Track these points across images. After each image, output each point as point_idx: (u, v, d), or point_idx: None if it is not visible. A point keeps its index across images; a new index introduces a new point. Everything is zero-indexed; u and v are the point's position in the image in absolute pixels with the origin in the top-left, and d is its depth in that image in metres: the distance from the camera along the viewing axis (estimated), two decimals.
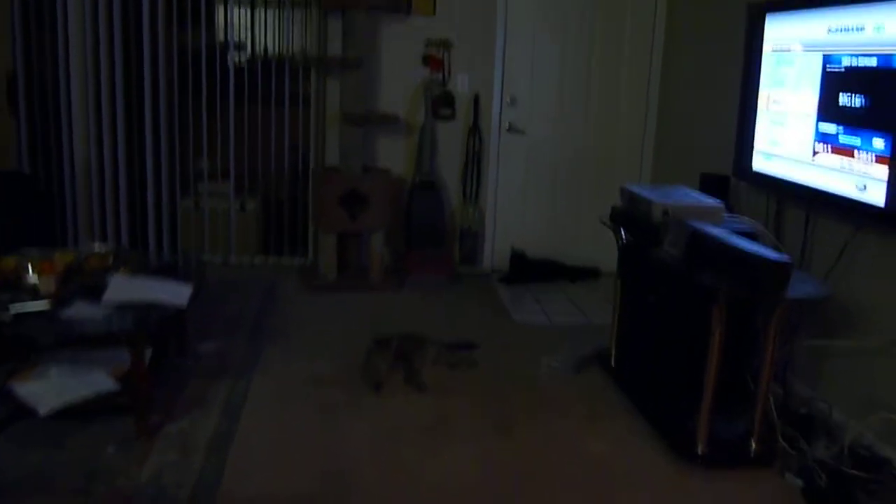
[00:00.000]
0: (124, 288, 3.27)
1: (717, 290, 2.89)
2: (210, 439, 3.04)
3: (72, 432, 3.00)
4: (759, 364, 3.03)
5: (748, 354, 3.35)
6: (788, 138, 3.46)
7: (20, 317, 2.94)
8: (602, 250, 5.09)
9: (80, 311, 3.07)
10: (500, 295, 5.18)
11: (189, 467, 2.82)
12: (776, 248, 3.18)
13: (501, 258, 5.60)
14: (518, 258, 5.49)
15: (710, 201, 3.43)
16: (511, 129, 5.52)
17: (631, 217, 3.60)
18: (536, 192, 5.66)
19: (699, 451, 3.03)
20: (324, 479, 2.82)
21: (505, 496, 2.77)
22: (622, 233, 3.76)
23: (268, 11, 5.49)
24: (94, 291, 3.21)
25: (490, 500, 2.73)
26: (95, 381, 3.06)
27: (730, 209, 3.65)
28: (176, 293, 3.31)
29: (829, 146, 3.17)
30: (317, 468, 2.89)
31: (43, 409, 2.90)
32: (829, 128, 3.17)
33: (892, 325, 3.00)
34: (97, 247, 3.80)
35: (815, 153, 3.25)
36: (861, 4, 3.00)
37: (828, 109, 3.19)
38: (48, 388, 3.01)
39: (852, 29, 3.04)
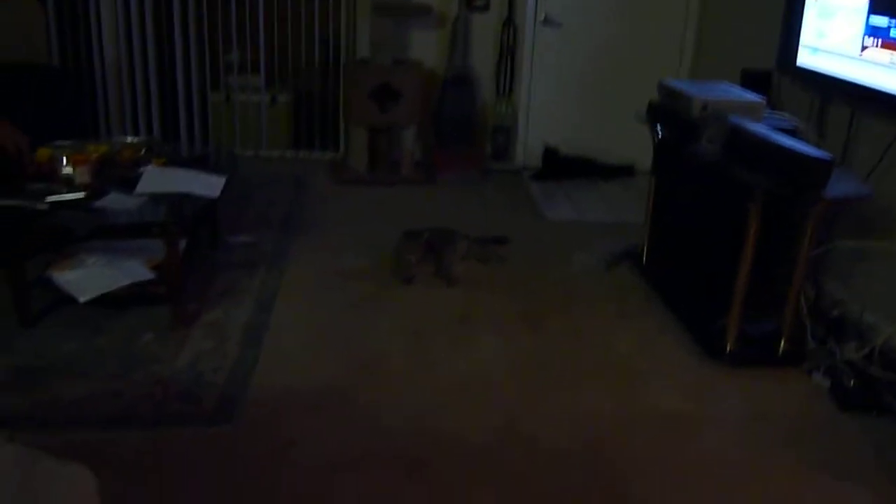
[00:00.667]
0: (157, 179, 3.29)
1: (755, 187, 2.83)
2: (244, 328, 3.11)
3: (109, 320, 3.08)
4: (793, 264, 2.99)
5: (783, 255, 3.31)
6: (837, 31, 3.31)
7: (56, 207, 2.97)
8: (637, 148, 4.98)
9: (115, 201, 3.09)
10: (531, 191, 5.14)
11: (224, 354, 2.89)
12: (818, 146, 3.09)
13: (534, 155, 5.52)
14: (550, 155, 5.41)
15: (751, 96, 3.32)
16: (546, 20, 5.35)
17: (669, 112, 3.51)
18: (571, 88, 5.52)
19: (728, 348, 3.04)
20: (354, 368, 2.88)
21: (532, 389, 2.81)
22: (658, 129, 3.68)
23: None
24: (128, 182, 3.23)
25: (517, 393, 2.78)
26: (131, 270, 3.11)
27: (772, 105, 3.54)
28: (208, 185, 3.32)
29: (880, 40, 3.02)
30: (347, 358, 2.94)
31: (82, 297, 2.96)
32: (881, 21, 3.02)
33: None
34: (130, 139, 3.81)
35: (863, 48, 3.12)
36: None
37: (881, 0, 3.03)
38: (86, 277, 3.06)
39: None
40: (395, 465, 2.34)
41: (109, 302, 3.04)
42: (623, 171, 5.49)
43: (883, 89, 2.99)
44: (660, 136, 3.68)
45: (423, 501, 2.20)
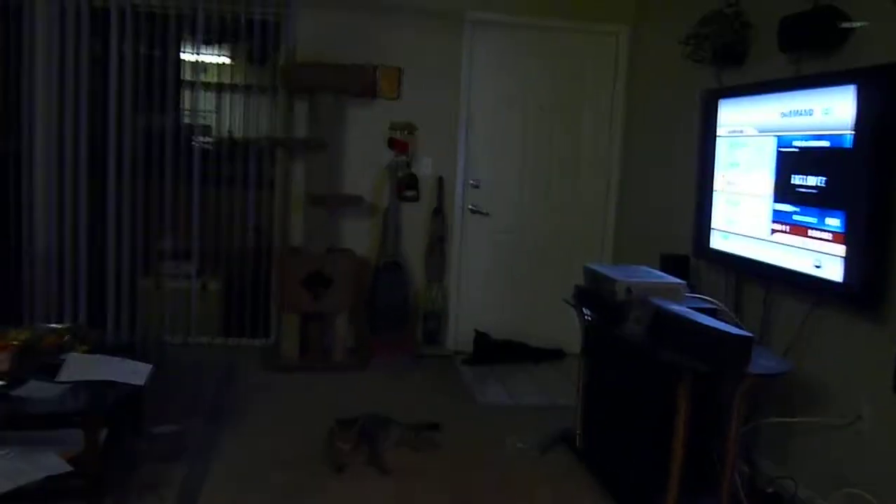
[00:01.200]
0: (80, 366, 3.20)
1: (681, 367, 2.90)
2: None
3: None
4: (724, 441, 3.03)
5: (714, 432, 3.34)
6: (744, 218, 3.56)
7: None
8: (565, 331, 5.09)
9: (34, 389, 2.98)
10: (463, 376, 5.14)
11: None
12: (737, 325, 3.22)
13: (465, 339, 5.57)
14: (481, 339, 5.47)
15: (672, 280, 3.47)
16: (474, 210, 5.59)
17: (594, 296, 3.63)
18: (500, 274, 5.70)
19: None
20: None
21: None
22: (586, 312, 3.78)
23: (235, 95, 5.57)
24: (50, 370, 3.13)
25: None
26: (47, 463, 2.95)
27: (691, 287, 3.70)
28: (133, 372, 3.24)
29: (786, 225, 3.25)
30: None
31: None
32: (785, 207, 3.26)
33: (853, 401, 3.03)
34: (54, 325, 3.73)
35: (772, 231, 3.34)
36: (808, 89, 3.14)
37: (783, 190, 3.28)
38: None
39: (802, 112, 3.16)
40: None
41: (23, 495, 2.84)
42: (553, 354, 5.57)
43: (793, 269, 3.18)
44: (588, 319, 3.78)
45: None
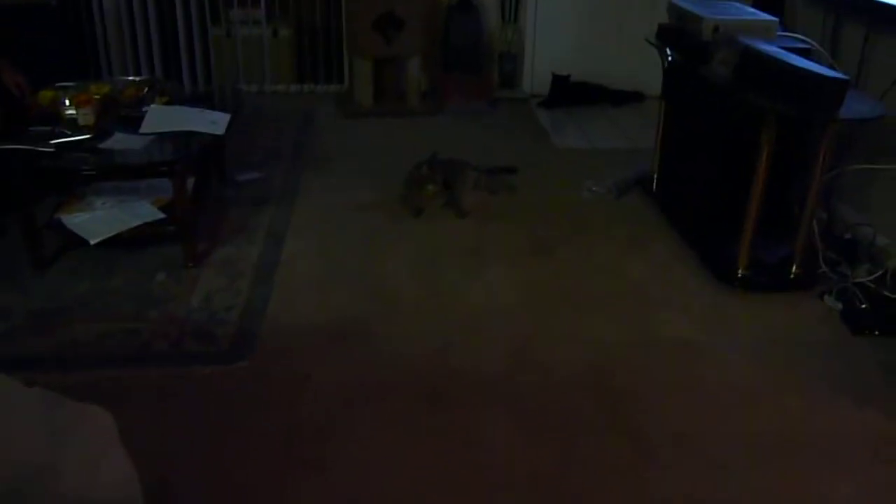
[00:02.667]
0: (161, 118, 3.26)
1: (767, 110, 2.78)
2: (256, 265, 3.12)
3: (121, 260, 3.10)
4: (805, 189, 2.97)
5: (795, 178, 3.28)
6: None
7: (61, 149, 2.96)
8: (646, 73, 4.88)
9: (120, 141, 3.08)
10: (540, 119, 5.08)
11: (238, 291, 2.91)
12: (832, 67, 3.03)
13: (542, 82, 5.43)
14: (559, 81, 5.32)
15: (764, 17, 3.25)
16: None
17: (679, 34, 3.43)
18: (578, 12, 5.40)
19: (740, 274, 3.03)
20: (368, 301, 2.89)
21: (544, 317, 2.82)
22: (669, 52, 3.60)
23: None
24: (132, 122, 3.21)
25: (529, 320, 2.79)
26: (141, 210, 3.12)
27: (785, 26, 3.46)
28: (213, 122, 3.29)
29: None
30: (361, 291, 2.96)
31: (93, 239, 2.97)
32: None
33: None
34: (131, 78, 3.77)
35: None
36: None
37: None
38: (95, 219, 3.07)
39: None
40: (413, 396, 2.37)
41: (120, 243, 3.04)
42: (633, 97, 5.41)
43: None
44: (670, 60, 3.61)
45: (441, 430, 2.23)
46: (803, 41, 3.21)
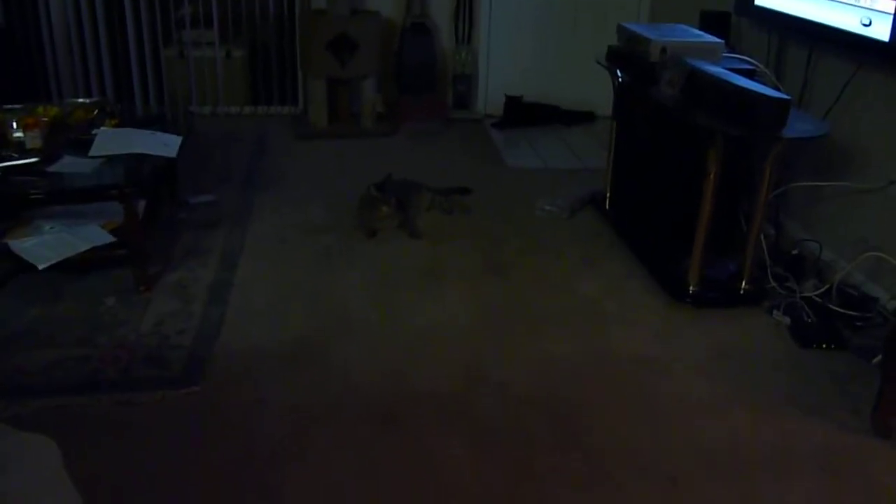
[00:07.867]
0: (112, 141, 3.23)
1: (713, 130, 2.84)
2: (209, 287, 3.09)
3: (71, 286, 3.04)
4: (752, 205, 3.03)
5: (742, 196, 3.35)
6: None
7: (8, 172, 2.91)
8: (598, 93, 4.97)
9: (69, 165, 3.04)
10: (493, 140, 5.12)
11: (190, 315, 2.88)
12: (775, 87, 3.11)
13: (495, 102, 5.49)
14: (512, 102, 5.38)
15: (710, 39, 3.32)
16: None
17: (628, 56, 3.50)
18: (530, 34, 5.47)
19: (691, 290, 3.08)
20: (322, 323, 2.88)
21: (500, 336, 2.83)
22: (618, 73, 3.67)
23: None
24: (81, 145, 3.17)
25: (485, 340, 2.80)
26: (90, 234, 3.06)
27: (730, 47, 3.54)
28: (165, 144, 3.27)
29: None
30: (315, 313, 2.94)
31: (41, 264, 2.91)
32: None
33: (887, 167, 2.97)
34: (81, 100, 3.72)
35: None
36: None
37: None
38: (44, 244, 3.00)
39: None
40: (368, 418, 2.36)
41: (69, 267, 2.98)
42: (584, 117, 5.49)
43: (840, 27, 3.01)
44: (620, 81, 3.68)
45: (396, 451, 2.23)
46: (748, 62, 3.29)
